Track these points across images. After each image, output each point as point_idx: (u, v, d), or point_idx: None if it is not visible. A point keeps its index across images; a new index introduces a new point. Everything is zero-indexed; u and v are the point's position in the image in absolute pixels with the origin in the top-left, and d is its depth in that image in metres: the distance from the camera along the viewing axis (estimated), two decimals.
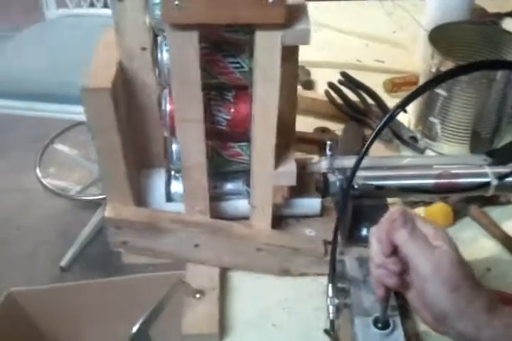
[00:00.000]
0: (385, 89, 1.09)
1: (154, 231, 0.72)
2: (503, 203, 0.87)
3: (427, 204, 0.86)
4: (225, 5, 0.53)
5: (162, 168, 0.75)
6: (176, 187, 0.75)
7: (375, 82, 1.10)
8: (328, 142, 0.75)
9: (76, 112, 1.39)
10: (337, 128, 0.99)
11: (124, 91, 0.66)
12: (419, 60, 1.13)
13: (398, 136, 0.95)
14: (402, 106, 0.64)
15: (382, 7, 1.32)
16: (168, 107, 0.67)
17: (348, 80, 1.02)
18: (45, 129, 2.05)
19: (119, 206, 0.71)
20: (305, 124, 1.01)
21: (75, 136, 2.02)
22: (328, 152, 0.75)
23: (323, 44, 1.23)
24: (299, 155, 0.95)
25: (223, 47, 0.64)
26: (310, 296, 0.76)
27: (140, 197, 0.74)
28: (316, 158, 0.93)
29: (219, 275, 0.76)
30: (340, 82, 1.02)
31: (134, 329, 0.68)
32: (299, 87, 1.09)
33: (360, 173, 0.75)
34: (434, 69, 0.89)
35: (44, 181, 1.89)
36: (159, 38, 0.64)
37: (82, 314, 1.21)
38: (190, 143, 0.65)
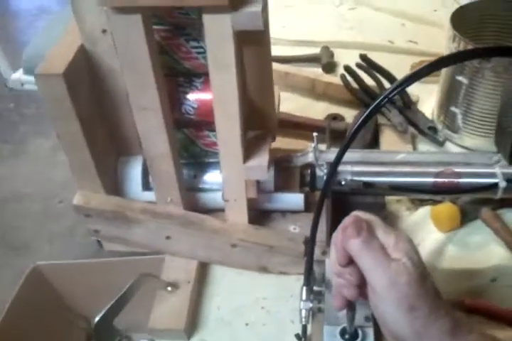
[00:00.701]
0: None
1: (124, 221, 0.69)
2: None
3: (436, 202, 0.78)
4: None
5: (140, 156, 0.72)
6: None
7: (404, 65, 1.01)
8: (315, 134, 0.69)
9: None
10: (351, 115, 0.92)
11: (90, 76, 0.63)
12: None
13: (416, 125, 0.87)
14: (388, 96, 0.57)
15: None
16: None
17: (367, 63, 0.94)
18: None
19: (88, 194, 0.69)
20: (318, 110, 0.95)
21: None
22: (314, 144, 0.69)
23: (355, 23, 1.15)
24: (303, 143, 0.89)
25: (186, 31, 0.59)
26: (291, 296, 0.71)
27: (117, 185, 0.72)
28: (322, 146, 0.87)
29: (197, 268, 0.72)
30: (358, 65, 0.94)
31: (96, 319, 0.66)
32: (319, 70, 1.03)
33: (348, 168, 0.69)
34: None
35: None
36: None
37: (104, 290, 1.23)
38: (150, 133, 0.62)
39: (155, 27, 0.57)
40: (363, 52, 1.05)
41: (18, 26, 2.88)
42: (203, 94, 0.62)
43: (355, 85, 0.92)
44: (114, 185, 0.72)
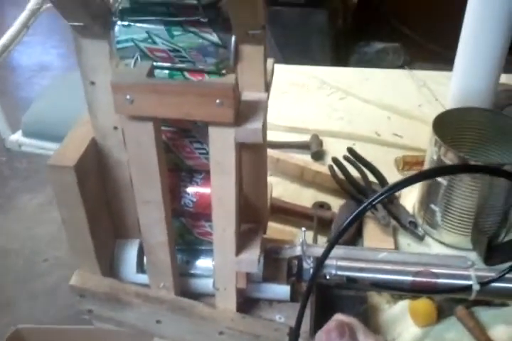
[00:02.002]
0: (396, 166, 1.06)
1: (117, 303, 0.72)
2: (496, 305, 0.82)
3: (414, 297, 0.82)
4: (175, 103, 0.54)
5: (137, 239, 0.76)
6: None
7: (388, 158, 1.08)
8: (303, 229, 0.74)
9: None
10: (337, 204, 0.97)
11: (98, 166, 0.68)
12: None
13: (398, 219, 0.92)
14: (372, 202, 0.63)
15: (412, 78, 1.30)
16: None
17: (354, 156, 1.00)
18: None
19: (85, 274, 0.72)
20: (306, 197, 1.00)
21: None
22: (302, 239, 0.74)
23: (344, 113, 1.22)
24: (291, 229, 0.94)
25: (190, 133, 0.64)
26: None
27: (113, 267, 0.75)
28: (308, 234, 0.92)
29: None
30: (345, 157, 1.00)
31: None
32: (308, 157, 1.09)
33: (333, 262, 0.74)
34: (435, 157, 0.86)
35: None
36: None
37: None
38: (151, 224, 0.66)
39: (163, 128, 0.62)
40: (351, 142, 1.12)
41: (17, 81, 2.95)
42: (202, 189, 0.67)
43: (342, 176, 0.98)
44: (110, 267, 0.75)
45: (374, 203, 0.63)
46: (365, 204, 0.63)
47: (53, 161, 0.63)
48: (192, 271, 0.75)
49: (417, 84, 1.28)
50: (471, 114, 0.91)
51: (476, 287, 0.71)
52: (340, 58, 2.36)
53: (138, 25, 0.56)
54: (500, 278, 0.71)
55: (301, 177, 1.03)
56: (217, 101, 0.53)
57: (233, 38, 0.56)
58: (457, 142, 0.92)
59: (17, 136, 1.52)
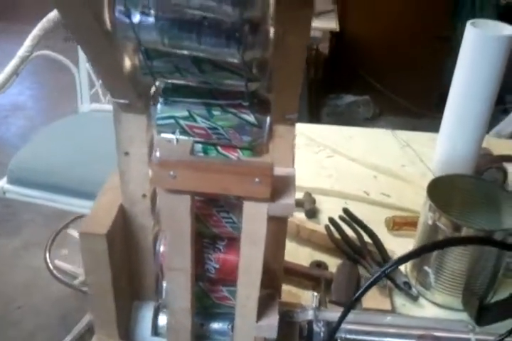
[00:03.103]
0: (386, 226, 1.11)
1: None
2: None
3: None
4: (215, 179, 0.57)
5: (150, 301, 0.77)
6: (164, 321, 0.77)
7: (379, 217, 1.13)
8: (315, 294, 0.77)
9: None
10: (334, 263, 1.01)
11: (122, 232, 0.70)
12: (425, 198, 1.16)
13: (393, 280, 0.96)
14: (385, 271, 0.67)
15: (396, 139, 1.37)
16: (162, 249, 0.70)
17: (349, 216, 1.04)
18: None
19: (104, 338, 0.73)
20: (302, 256, 1.03)
21: None
22: (314, 303, 0.77)
23: (333, 171, 1.27)
24: (290, 288, 0.97)
25: (218, 203, 0.67)
26: None
27: (128, 329, 0.76)
28: (307, 293, 0.95)
29: None
30: (340, 217, 1.04)
31: None
32: (302, 215, 1.13)
33: (344, 326, 0.77)
34: (430, 222, 0.92)
35: (51, 266, 1.92)
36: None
37: None
38: (177, 290, 0.68)
39: None
40: (343, 200, 1.17)
41: None
42: (225, 256, 0.70)
43: (338, 236, 1.02)
44: (127, 329, 0.76)
45: (387, 272, 0.67)
46: (379, 273, 0.67)
47: (85, 229, 0.65)
48: (206, 334, 0.76)
49: (400, 145, 1.35)
50: (461, 180, 0.97)
51: None
52: (312, 110, 2.44)
53: (180, 104, 0.59)
54: None
55: (297, 235, 1.06)
56: (256, 179, 0.56)
57: (268, 119, 0.60)
58: (448, 206, 0.97)
59: (1, 183, 1.51)
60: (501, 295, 0.95)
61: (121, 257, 0.71)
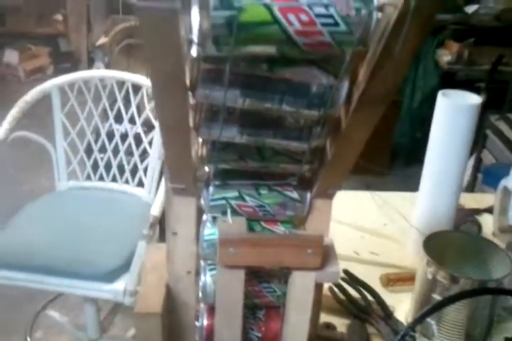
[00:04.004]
0: (381, 283, 1.18)
1: None
2: None
3: None
4: (271, 253, 0.63)
5: None
6: None
7: (372, 275, 1.19)
8: None
9: (79, 287, 1.45)
10: (341, 323, 1.06)
11: (168, 307, 0.74)
12: (410, 253, 1.24)
13: (397, 333, 1.02)
14: (412, 327, 0.73)
15: (373, 199, 1.46)
16: (205, 323, 0.74)
17: (350, 277, 1.11)
18: (34, 292, 2.05)
19: None
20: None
21: (67, 301, 2.03)
22: None
23: None
24: None
25: (260, 275, 0.73)
26: None
27: None
28: None
29: None
30: (343, 279, 1.11)
31: None
32: None
33: None
34: (430, 276, 0.99)
35: None
36: (202, 263, 0.73)
37: None
38: None
39: None
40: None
41: None
42: (267, 325, 0.74)
43: (342, 297, 1.08)
44: None
45: (414, 327, 0.73)
46: (403, 333, 0.73)
47: (140, 309, 0.68)
48: None
49: (377, 204, 1.44)
50: (452, 236, 1.06)
51: None
52: None
53: (231, 185, 0.66)
54: None
55: None
56: (309, 250, 0.62)
57: (309, 195, 0.67)
58: (442, 260, 1.05)
59: None
60: (496, 338, 1.03)
61: (164, 333, 0.74)
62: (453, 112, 1.11)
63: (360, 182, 2.70)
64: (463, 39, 2.63)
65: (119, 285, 1.42)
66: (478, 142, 2.26)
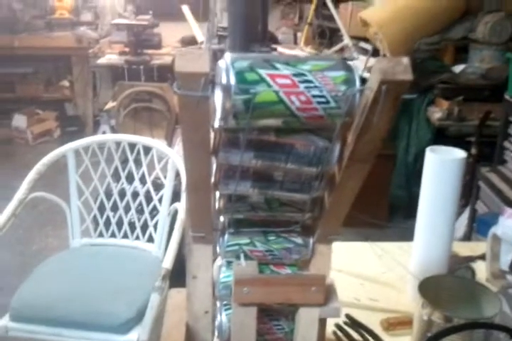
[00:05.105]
0: (382, 327, 1.25)
1: None
2: None
3: None
4: (280, 292, 0.72)
5: None
6: None
7: (373, 320, 1.27)
8: None
9: (95, 339, 1.51)
10: None
11: None
12: (409, 299, 1.32)
13: None
14: None
15: (372, 249, 1.55)
16: None
17: (352, 321, 1.19)
18: None
19: None
20: None
21: None
22: None
23: None
24: None
25: (269, 313, 0.82)
26: None
27: None
28: None
29: None
30: (345, 323, 1.18)
31: None
32: None
33: None
34: (425, 318, 1.07)
35: None
36: (218, 304, 0.82)
37: None
38: None
39: None
40: None
41: None
42: None
43: (345, 340, 1.15)
44: None
45: None
46: None
47: None
48: None
49: (376, 254, 1.53)
50: (445, 280, 1.15)
51: None
52: None
53: (243, 233, 0.76)
54: None
55: None
56: (313, 288, 0.72)
57: (311, 240, 0.77)
58: (437, 302, 1.14)
59: (5, 322, 1.55)
60: None
61: None
62: (440, 166, 1.22)
63: (359, 234, 2.79)
64: (452, 97, 2.78)
65: (133, 336, 1.49)
66: (471, 194, 2.37)
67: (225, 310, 0.80)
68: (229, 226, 0.75)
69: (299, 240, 0.76)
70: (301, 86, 0.54)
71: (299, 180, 0.62)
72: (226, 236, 0.76)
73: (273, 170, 0.62)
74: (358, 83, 0.53)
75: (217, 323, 0.82)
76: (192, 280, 0.79)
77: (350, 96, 0.52)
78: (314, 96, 0.54)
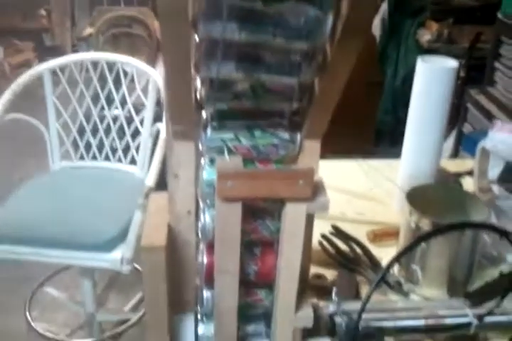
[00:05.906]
0: (368, 238, 1.25)
1: None
2: None
3: None
4: (265, 186, 0.69)
5: (190, 313, 0.86)
6: (203, 329, 0.85)
7: (359, 232, 1.26)
8: (334, 288, 0.89)
9: (79, 258, 1.50)
10: (330, 274, 1.13)
11: (168, 247, 0.80)
12: (395, 212, 1.32)
13: (385, 280, 1.09)
14: (394, 262, 0.80)
15: (359, 167, 1.53)
16: (205, 260, 0.80)
17: (338, 232, 1.18)
18: (30, 271, 2.10)
19: None
20: None
21: (63, 278, 2.09)
22: (334, 297, 0.88)
23: None
24: None
25: (255, 212, 0.79)
26: None
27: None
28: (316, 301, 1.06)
29: None
30: (331, 233, 1.17)
31: None
32: None
33: (364, 315, 0.88)
34: (413, 225, 1.06)
35: (34, 325, 1.91)
36: (201, 204, 0.79)
37: None
38: (225, 292, 0.78)
39: None
40: (322, 221, 1.30)
41: None
42: (263, 259, 0.80)
43: (331, 250, 1.14)
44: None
45: (397, 262, 0.80)
46: (389, 263, 0.80)
47: (146, 243, 0.74)
48: (243, 337, 0.85)
49: (364, 171, 1.52)
50: (433, 188, 1.14)
51: (474, 321, 0.89)
52: None
53: (227, 128, 0.72)
54: (491, 313, 0.89)
55: None
56: (301, 182, 0.69)
57: (299, 136, 0.73)
58: (425, 211, 1.13)
59: None
60: (477, 283, 1.10)
61: (168, 267, 0.80)
62: (430, 75, 1.18)
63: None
64: (443, 19, 2.70)
65: (117, 254, 1.48)
66: (459, 116, 2.34)
67: (209, 209, 0.77)
68: (211, 120, 0.71)
69: (286, 136, 0.72)
70: None
71: (288, 61, 0.58)
72: (209, 131, 0.72)
73: (259, 47, 0.57)
74: None
75: (200, 224, 0.79)
76: (173, 180, 0.76)
77: None
78: None
